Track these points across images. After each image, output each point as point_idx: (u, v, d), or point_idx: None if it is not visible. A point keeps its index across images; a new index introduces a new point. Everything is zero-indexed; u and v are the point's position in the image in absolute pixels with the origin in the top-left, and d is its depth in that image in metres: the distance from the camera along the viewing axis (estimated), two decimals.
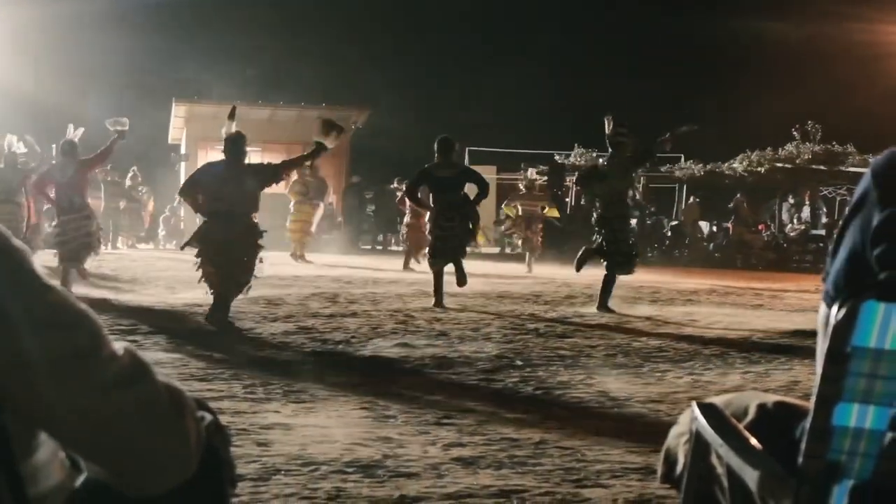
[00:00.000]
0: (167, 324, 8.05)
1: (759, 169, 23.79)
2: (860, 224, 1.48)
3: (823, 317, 1.48)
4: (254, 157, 13.75)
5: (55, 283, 1.18)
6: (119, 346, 1.21)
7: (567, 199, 24.55)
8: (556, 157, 25.97)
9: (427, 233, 10.53)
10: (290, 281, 12.32)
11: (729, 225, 23.08)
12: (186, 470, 1.24)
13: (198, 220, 8.24)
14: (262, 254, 8.01)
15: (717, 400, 1.83)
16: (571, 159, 25.68)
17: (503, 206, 18.63)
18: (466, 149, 25.54)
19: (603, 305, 9.75)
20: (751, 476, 1.49)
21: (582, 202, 22.19)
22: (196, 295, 8.94)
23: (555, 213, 18.63)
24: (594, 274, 10.37)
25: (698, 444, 1.72)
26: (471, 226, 10.12)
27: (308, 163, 9.29)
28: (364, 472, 3.68)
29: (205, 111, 23.10)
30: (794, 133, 23.88)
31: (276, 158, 12.03)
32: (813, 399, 1.43)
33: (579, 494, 3.49)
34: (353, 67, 37.66)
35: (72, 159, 10.41)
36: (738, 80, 37.01)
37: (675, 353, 7.09)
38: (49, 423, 1.16)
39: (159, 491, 1.23)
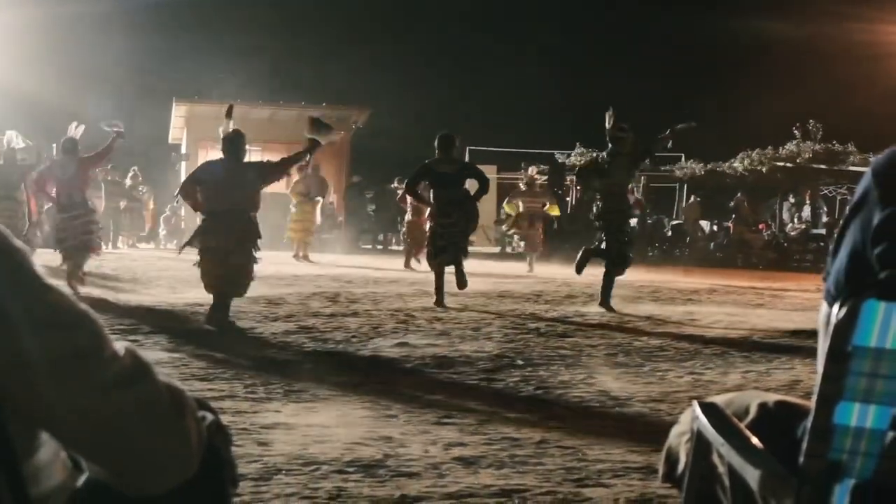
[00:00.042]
0: (168, 323, 8.05)
1: (759, 168, 23.77)
2: (861, 223, 1.48)
3: (824, 316, 1.48)
4: (255, 156, 13.83)
5: (55, 283, 1.18)
6: (120, 345, 1.21)
7: (568, 199, 24.53)
8: (557, 157, 25.96)
9: (426, 229, 10.52)
10: (291, 280, 12.32)
11: (729, 224, 23.07)
12: (187, 470, 1.24)
13: (198, 219, 8.24)
14: (259, 254, 8.01)
15: (719, 399, 1.83)
16: (572, 159, 25.66)
17: (504, 203, 18.59)
18: (467, 148, 25.54)
19: (605, 303, 9.78)
20: (752, 475, 1.49)
21: (584, 198, 22.15)
22: (197, 295, 8.93)
23: (556, 211, 18.61)
24: (594, 273, 10.37)
25: (699, 443, 1.72)
26: (470, 223, 10.10)
27: (307, 159, 9.28)
28: (365, 471, 3.68)
29: (205, 111, 23.13)
30: (795, 132, 23.86)
31: (276, 157, 12.01)
32: (814, 398, 1.43)
33: (580, 494, 3.49)
34: (353, 67, 37.72)
35: (73, 157, 10.39)
36: (739, 79, 37.06)
37: (675, 353, 7.09)
38: (49, 423, 1.16)
39: (160, 491, 1.23)
